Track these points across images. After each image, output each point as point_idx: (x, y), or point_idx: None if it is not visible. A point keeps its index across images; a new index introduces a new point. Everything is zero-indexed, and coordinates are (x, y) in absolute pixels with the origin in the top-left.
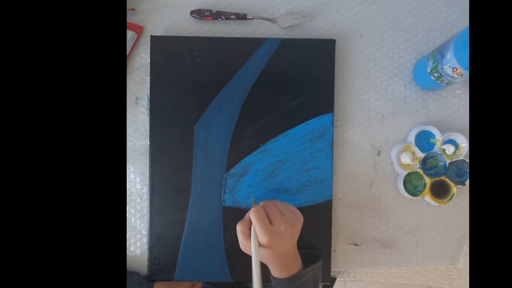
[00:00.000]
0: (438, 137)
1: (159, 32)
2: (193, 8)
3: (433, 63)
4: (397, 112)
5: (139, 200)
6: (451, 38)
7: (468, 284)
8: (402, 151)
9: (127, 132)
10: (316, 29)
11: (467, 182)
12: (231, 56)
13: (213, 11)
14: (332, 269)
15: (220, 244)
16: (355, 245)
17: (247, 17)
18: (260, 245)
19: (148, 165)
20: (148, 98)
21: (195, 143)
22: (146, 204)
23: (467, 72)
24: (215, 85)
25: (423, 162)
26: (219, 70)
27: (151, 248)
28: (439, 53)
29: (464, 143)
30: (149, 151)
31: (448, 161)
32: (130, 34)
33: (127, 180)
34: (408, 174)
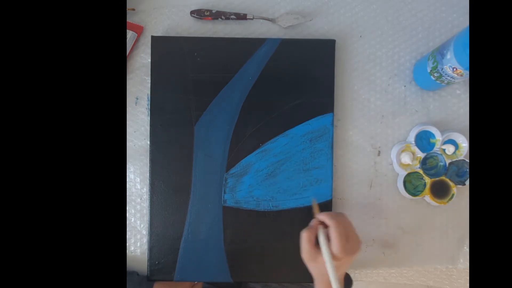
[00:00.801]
0: (438, 137)
1: (159, 32)
2: (193, 8)
3: (433, 63)
4: (397, 112)
5: (139, 200)
6: (451, 38)
7: (468, 284)
8: (402, 151)
9: (127, 132)
10: (316, 29)
11: (467, 182)
12: (231, 56)
13: (213, 11)
14: None
15: (220, 244)
16: None
17: (247, 17)
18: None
19: (148, 165)
20: (148, 98)
21: (195, 143)
22: (146, 204)
23: (467, 72)
24: (215, 85)
25: (423, 162)
26: (219, 70)
27: (151, 248)
28: (439, 53)
29: (464, 143)
30: (149, 151)
31: (448, 161)
32: (130, 34)
33: (127, 180)
34: (408, 174)
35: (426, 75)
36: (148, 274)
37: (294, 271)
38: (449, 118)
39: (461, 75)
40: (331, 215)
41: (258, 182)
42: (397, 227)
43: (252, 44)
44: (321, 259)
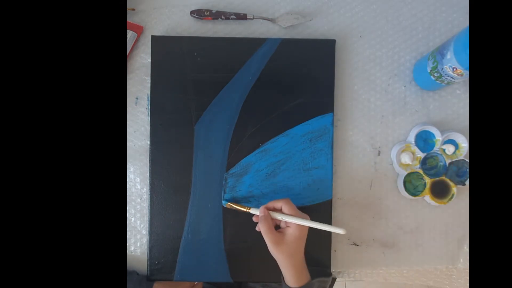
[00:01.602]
0: (438, 137)
1: (159, 32)
2: (193, 8)
3: (433, 63)
4: (397, 112)
5: (139, 200)
6: (451, 38)
7: (468, 284)
8: (402, 151)
9: (127, 132)
10: (316, 29)
11: (467, 182)
12: (231, 56)
13: (213, 11)
14: (332, 269)
15: (220, 244)
16: (355, 245)
17: (247, 17)
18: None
19: (148, 165)
20: (148, 98)
21: (195, 143)
22: (146, 204)
23: (467, 72)
24: (215, 85)
25: (423, 162)
26: (219, 70)
27: (151, 248)
28: (439, 53)
29: (464, 143)
30: (149, 151)
31: (448, 161)
32: (130, 34)
33: (127, 180)
34: (408, 174)
35: (426, 75)
36: (148, 273)
37: None
38: (449, 118)
39: (461, 75)
40: (275, 200)
41: (258, 182)
42: (397, 227)
43: (252, 44)
44: (287, 238)
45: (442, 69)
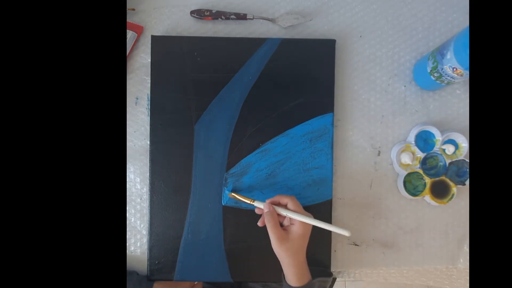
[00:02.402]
0: (438, 137)
1: (159, 32)
2: (193, 8)
3: (433, 63)
4: (397, 112)
5: (139, 200)
6: (451, 38)
7: (468, 284)
8: (402, 151)
9: (127, 132)
10: (316, 29)
11: (467, 182)
12: (231, 56)
13: (213, 11)
14: (332, 269)
15: (220, 244)
16: (355, 245)
17: (247, 17)
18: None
19: (148, 165)
20: (148, 98)
21: (195, 143)
22: (146, 204)
23: (467, 72)
24: (215, 85)
25: (423, 162)
26: (219, 70)
27: (151, 248)
28: (439, 53)
29: (464, 143)
30: (149, 151)
31: (448, 161)
32: (130, 34)
33: (127, 180)
34: (408, 174)
35: (426, 75)
36: (148, 273)
37: None
38: (449, 118)
39: (461, 75)
40: (281, 195)
41: (258, 182)
42: (397, 227)
43: (252, 44)
44: (291, 236)
45: (442, 69)
